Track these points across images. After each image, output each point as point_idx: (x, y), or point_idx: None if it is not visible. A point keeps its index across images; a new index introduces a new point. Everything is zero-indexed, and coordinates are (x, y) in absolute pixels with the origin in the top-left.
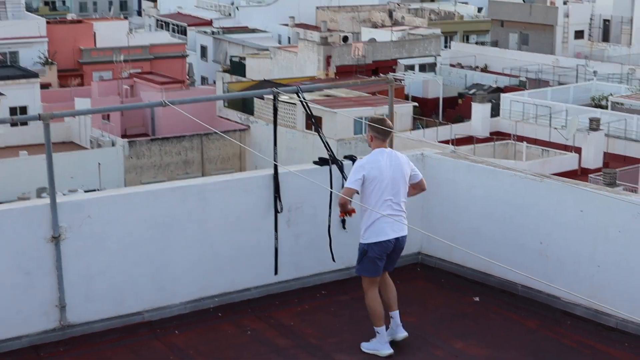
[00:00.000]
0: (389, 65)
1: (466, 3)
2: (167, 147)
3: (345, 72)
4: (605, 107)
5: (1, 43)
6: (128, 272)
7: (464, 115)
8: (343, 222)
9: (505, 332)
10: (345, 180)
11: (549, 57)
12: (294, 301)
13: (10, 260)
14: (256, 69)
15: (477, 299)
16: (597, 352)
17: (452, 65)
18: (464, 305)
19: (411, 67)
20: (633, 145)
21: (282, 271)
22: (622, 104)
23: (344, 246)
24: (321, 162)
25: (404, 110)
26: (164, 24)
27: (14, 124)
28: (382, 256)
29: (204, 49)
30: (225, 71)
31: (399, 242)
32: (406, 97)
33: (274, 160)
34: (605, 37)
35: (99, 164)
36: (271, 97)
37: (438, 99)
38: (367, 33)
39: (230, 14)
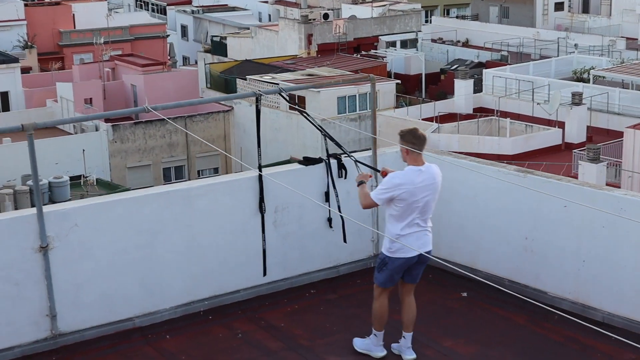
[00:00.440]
0: (371, 42)
1: None
2: (152, 131)
3: (326, 50)
4: (587, 81)
5: None
6: (117, 278)
7: (447, 91)
8: (329, 221)
9: (493, 328)
10: (342, 149)
11: (530, 30)
12: (284, 301)
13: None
14: (237, 49)
15: (464, 294)
16: (584, 346)
17: (433, 41)
18: (452, 301)
19: (392, 44)
20: (616, 119)
21: (270, 272)
22: (604, 77)
23: (330, 245)
24: (306, 161)
25: (387, 88)
26: (143, 3)
27: None
28: (401, 271)
29: (184, 29)
30: (206, 51)
31: (422, 257)
32: (389, 75)
33: (259, 163)
34: (585, 9)
35: (84, 150)
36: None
37: (420, 75)
38: (347, 10)
39: None
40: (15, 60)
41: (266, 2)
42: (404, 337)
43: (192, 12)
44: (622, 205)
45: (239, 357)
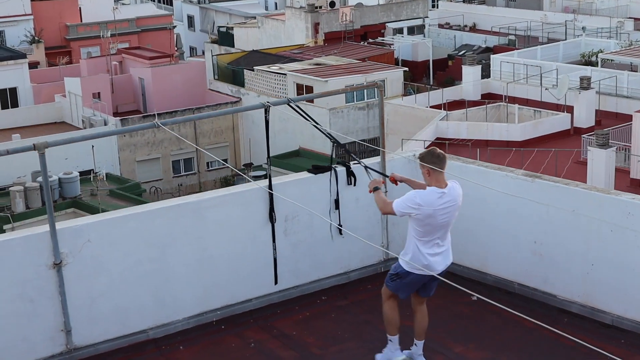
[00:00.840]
0: (377, 30)
1: None
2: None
3: (333, 39)
4: (596, 64)
5: None
6: (130, 292)
7: (454, 77)
8: (339, 227)
9: (503, 332)
10: (353, 157)
11: (537, 13)
12: (295, 309)
13: (13, 289)
14: (244, 39)
15: (474, 298)
16: (594, 349)
17: (440, 26)
18: (462, 305)
19: (399, 31)
20: (624, 102)
21: (281, 280)
22: (612, 60)
23: (341, 251)
24: (315, 170)
25: (395, 76)
26: None
27: (4, 107)
28: (415, 286)
29: (190, 19)
30: (213, 42)
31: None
32: (396, 62)
33: (268, 174)
34: None
35: (93, 145)
36: (263, 109)
37: (428, 61)
38: None
39: None
40: (22, 55)
41: None
42: (415, 344)
43: (199, 2)
44: (629, 210)
45: None
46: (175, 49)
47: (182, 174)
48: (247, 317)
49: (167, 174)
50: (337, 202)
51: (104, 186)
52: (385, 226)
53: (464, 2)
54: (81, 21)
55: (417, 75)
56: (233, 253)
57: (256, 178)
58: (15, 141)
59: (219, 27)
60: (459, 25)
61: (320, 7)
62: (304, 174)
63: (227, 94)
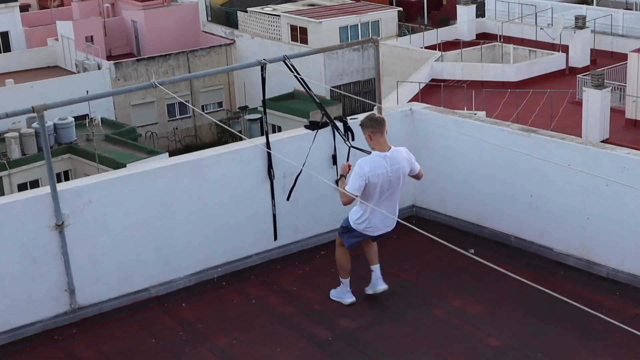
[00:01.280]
0: None
1: None
2: (154, 67)
3: None
4: (591, 3)
5: None
6: (132, 251)
7: (449, 16)
8: (337, 182)
9: (500, 286)
10: (341, 137)
11: None
12: (295, 264)
13: (17, 251)
14: None
15: (472, 251)
16: (590, 302)
17: None
18: (460, 259)
19: None
20: (620, 41)
21: (281, 236)
22: None
23: (338, 206)
24: (312, 125)
25: (389, 16)
26: None
27: None
28: (360, 240)
29: None
30: None
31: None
32: (390, 2)
33: (265, 131)
34: None
35: (87, 91)
36: (259, 66)
37: (422, 0)
38: None
39: None
40: None
41: None
42: (372, 270)
43: None
44: (624, 164)
45: (254, 324)
46: None
47: (177, 117)
48: (248, 273)
49: (162, 117)
50: (334, 157)
51: (100, 131)
52: None
53: None
54: None
55: (412, 15)
56: (233, 210)
57: (252, 121)
58: (8, 87)
59: None
60: None
61: None
62: (301, 130)
63: (220, 36)
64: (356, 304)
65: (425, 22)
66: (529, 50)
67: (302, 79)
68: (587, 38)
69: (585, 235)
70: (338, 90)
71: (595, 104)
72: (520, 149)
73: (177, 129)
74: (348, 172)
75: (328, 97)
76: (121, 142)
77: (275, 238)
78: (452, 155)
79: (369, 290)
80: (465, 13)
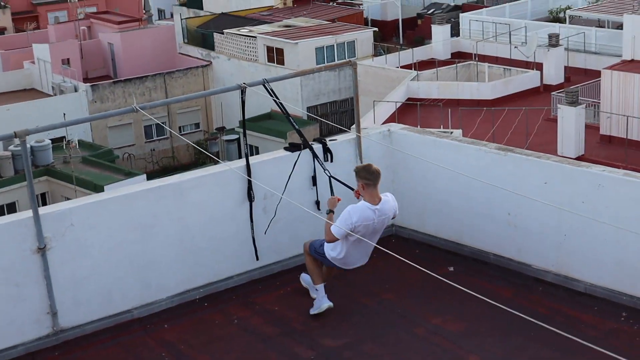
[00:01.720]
0: None
1: None
2: (131, 89)
3: (302, 0)
4: (564, 21)
5: None
6: (114, 273)
7: (424, 35)
8: (317, 203)
9: (480, 302)
10: (321, 160)
11: None
12: (276, 284)
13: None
14: (213, 1)
15: (451, 269)
16: (568, 317)
17: None
18: (439, 277)
19: None
20: (593, 58)
21: (262, 256)
22: (580, 17)
23: (319, 226)
24: (292, 148)
25: (365, 37)
26: None
27: None
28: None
29: None
30: (182, 4)
31: None
32: (365, 22)
33: (246, 153)
34: None
35: (64, 113)
36: (239, 90)
37: (397, 21)
38: None
39: None
40: None
41: None
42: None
43: None
44: (599, 182)
45: (236, 345)
46: (144, 12)
47: (154, 138)
48: (230, 293)
49: (140, 139)
50: (314, 178)
51: (77, 153)
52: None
53: None
54: None
55: (387, 35)
56: (214, 232)
57: (229, 142)
58: None
59: None
60: None
61: None
62: (281, 152)
63: (197, 58)
64: (338, 323)
65: (401, 41)
66: (504, 68)
67: (280, 103)
68: (561, 56)
69: (562, 251)
70: (313, 115)
71: (570, 120)
72: (497, 168)
73: (154, 150)
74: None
75: (305, 117)
76: (98, 164)
77: (257, 258)
78: (431, 176)
79: (314, 311)
80: (440, 32)
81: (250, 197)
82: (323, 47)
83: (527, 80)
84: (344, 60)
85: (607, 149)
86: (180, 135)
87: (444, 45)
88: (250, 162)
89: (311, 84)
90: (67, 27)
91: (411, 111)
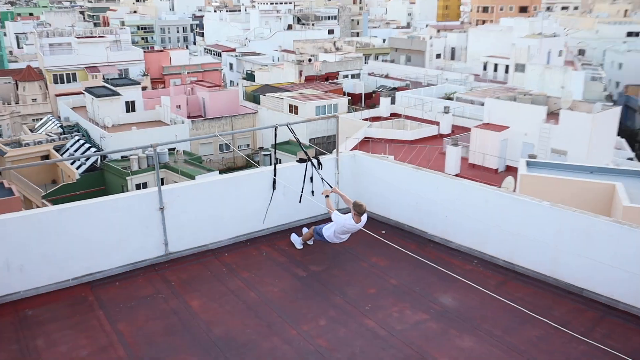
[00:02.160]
0: (334, 75)
1: (376, 37)
2: (212, 123)
3: (310, 80)
4: (452, 99)
5: (119, 64)
6: (198, 224)
7: (376, 103)
8: (312, 192)
9: (397, 250)
10: (317, 168)
11: (422, 69)
12: (286, 235)
13: (138, 222)
14: (260, 77)
15: (383, 231)
16: (448, 263)
17: (369, 74)
18: (377, 236)
19: (346, 76)
20: (467, 121)
21: (279, 220)
22: (461, 97)
23: (312, 205)
24: (301, 161)
25: (342, 101)
26: (208, 50)
27: (128, 110)
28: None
29: (231, 65)
30: (243, 78)
31: None
32: (343, 93)
33: (274, 162)
34: (452, 57)
35: (176, 135)
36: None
37: (361, 94)
38: (322, 56)
39: (245, 44)
40: (138, 83)
41: (277, 50)
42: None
43: (236, 56)
44: (465, 188)
45: (263, 265)
46: (222, 82)
47: (224, 151)
48: (262, 238)
49: (216, 151)
50: (311, 178)
51: (181, 157)
52: (337, 200)
53: (382, 61)
54: (170, 64)
55: (355, 101)
56: (254, 205)
57: (265, 155)
58: (134, 131)
59: (247, 70)
60: (379, 74)
61: (303, 61)
62: (294, 163)
63: (250, 108)
64: (320, 258)
65: (363, 105)
66: (418, 123)
67: (295, 135)
68: (450, 118)
69: (448, 223)
70: (312, 145)
71: (452, 154)
72: (413, 177)
73: (223, 158)
74: (330, 192)
75: (308, 144)
76: (193, 164)
77: (263, 222)
78: (378, 181)
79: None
80: (385, 101)
81: (274, 186)
82: (320, 106)
83: (431, 130)
84: (331, 115)
85: (472, 170)
86: (238, 150)
87: (386, 108)
88: (277, 168)
89: (312, 125)
90: (180, 87)
91: (366, 144)
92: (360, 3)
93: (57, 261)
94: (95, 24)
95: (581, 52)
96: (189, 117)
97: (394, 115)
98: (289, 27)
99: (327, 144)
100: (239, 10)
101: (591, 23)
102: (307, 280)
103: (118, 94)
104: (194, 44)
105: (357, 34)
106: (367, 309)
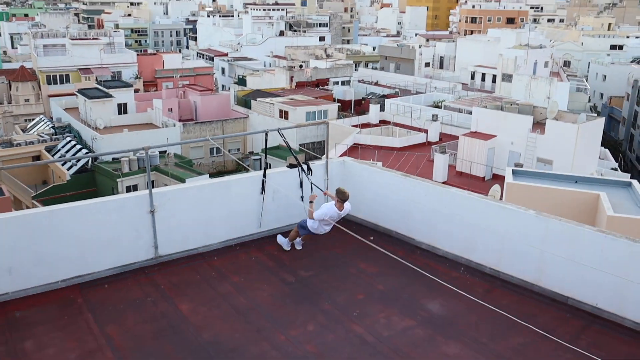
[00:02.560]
0: (325, 82)
1: (366, 44)
2: (204, 127)
3: (301, 86)
4: (441, 107)
5: (112, 66)
6: (188, 228)
7: (365, 110)
8: (302, 198)
9: (386, 256)
10: (307, 173)
11: (411, 77)
12: (275, 239)
13: (129, 224)
14: (252, 82)
15: (372, 238)
16: (434, 270)
17: (359, 81)
18: (365, 243)
19: (337, 82)
20: (455, 129)
21: (269, 224)
22: (449, 105)
23: (301, 209)
24: (291, 166)
25: (333, 107)
26: (201, 54)
27: (120, 113)
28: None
29: (223, 69)
30: (235, 83)
31: None
32: (334, 100)
33: (264, 166)
34: (441, 66)
35: (167, 138)
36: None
37: (351, 100)
38: (313, 62)
39: (237, 50)
40: (130, 85)
41: (268, 56)
42: (294, 243)
43: (228, 60)
44: (453, 195)
45: (253, 270)
46: (214, 86)
47: (214, 155)
48: (250, 243)
49: (206, 154)
50: (301, 183)
51: (171, 160)
52: (326, 199)
53: (372, 69)
54: (163, 68)
55: (345, 108)
56: (244, 208)
57: (255, 160)
58: (125, 133)
59: (239, 75)
60: (369, 82)
61: (294, 67)
62: (284, 168)
63: (241, 112)
64: (309, 264)
65: (352, 112)
66: (407, 130)
67: (285, 140)
68: (438, 126)
69: (432, 229)
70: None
71: (440, 162)
72: (401, 184)
73: (214, 161)
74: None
75: (297, 149)
76: (183, 167)
77: (260, 225)
78: (366, 185)
79: (295, 247)
80: (374, 108)
81: (263, 191)
82: (310, 112)
83: (419, 138)
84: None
85: (460, 178)
86: (229, 153)
87: (375, 115)
88: (267, 172)
89: (302, 131)
90: (172, 91)
91: (356, 150)
92: (351, 11)
93: (47, 263)
94: (90, 26)
95: (566, 64)
96: (180, 121)
97: (383, 122)
98: (281, 33)
99: (317, 149)
100: (232, 16)
101: (576, 36)
102: (296, 285)
103: (110, 96)
104: (187, 48)
105: (348, 42)
106: (355, 315)
